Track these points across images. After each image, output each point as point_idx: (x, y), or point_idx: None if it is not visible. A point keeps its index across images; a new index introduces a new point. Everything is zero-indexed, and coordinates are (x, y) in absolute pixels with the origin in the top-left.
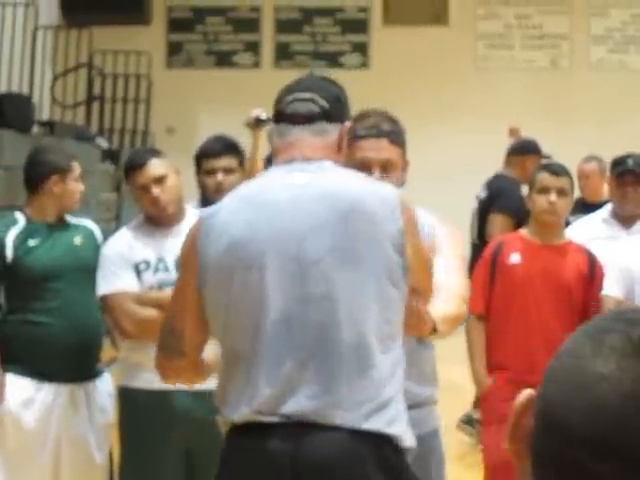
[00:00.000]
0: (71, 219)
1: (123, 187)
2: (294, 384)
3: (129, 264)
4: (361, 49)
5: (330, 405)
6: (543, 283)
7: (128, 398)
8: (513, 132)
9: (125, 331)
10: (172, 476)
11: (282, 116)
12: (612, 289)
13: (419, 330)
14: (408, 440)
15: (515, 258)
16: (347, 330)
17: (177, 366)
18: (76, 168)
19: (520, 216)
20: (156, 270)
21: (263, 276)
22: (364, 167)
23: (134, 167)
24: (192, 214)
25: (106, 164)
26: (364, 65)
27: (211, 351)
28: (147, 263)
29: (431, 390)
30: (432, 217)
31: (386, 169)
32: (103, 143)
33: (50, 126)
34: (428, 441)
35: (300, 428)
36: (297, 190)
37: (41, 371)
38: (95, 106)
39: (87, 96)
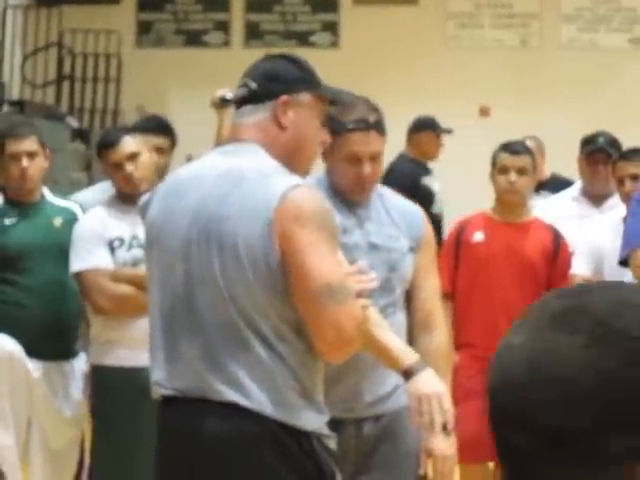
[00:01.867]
0: (55, 200)
1: (94, 166)
2: (185, 360)
3: (103, 241)
4: (331, 28)
5: (219, 382)
6: (506, 261)
7: (101, 376)
8: (484, 111)
9: (101, 308)
10: (146, 452)
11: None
12: (580, 267)
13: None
14: (309, 423)
15: (478, 237)
16: (219, 313)
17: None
18: (11, 145)
19: (406, 194)
20: (130, 247)
21: (168, 257)
22: (354, 160)
23: (107, 145)
24: None
25: (76, 143)
26: (334, 44)
27: None
28: (121, 240)
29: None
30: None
31: (375, 160)
32: (73, 122)
33: (20, 105)
34: (396, 417)
35: (195, 404)
36: (205, 172)
37: None
38: (65, 85)
39: (57, 75)
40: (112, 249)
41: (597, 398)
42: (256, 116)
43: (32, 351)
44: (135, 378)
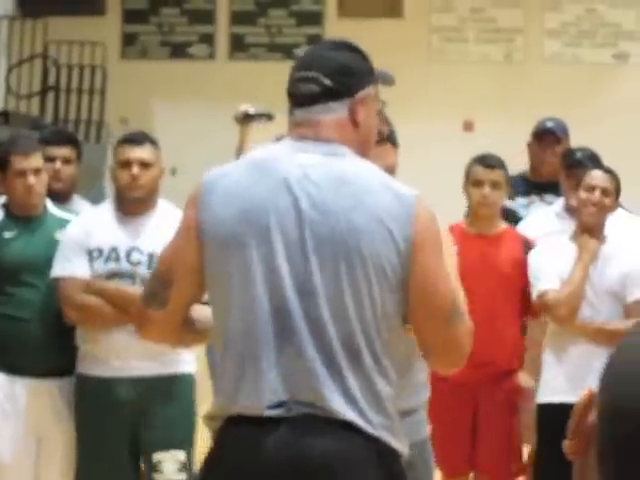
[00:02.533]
0: (57, 212)
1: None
2: (291, 376)
3: (83, 250)
4: (316, 41)
5: (329, 399)
6: (480, 273)
7: (79, 384)
8: (468, 125)
9: (66, 316)
10: (120, 461)
11: (289, 97)
12: (552, 282)
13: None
14: (404, 447)
15: None
16: (335, 328)
17: (152, 317)
18: (18, 162)
19: None
20: (107, 259)
21: (271, 252)
22: None
23: (131, 141)
24: (165, 210)
25: None
26: None
27: (202, 313)
28: (100, 251)
29: (423, 397)
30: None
31: (390, 174)
32: None
33: (5, 116)
34: (419, 449)
35: (302, 422)
36: (306, 170)
37: (14, 365)
38: (50, 96)
39: (42, 86)
40: (91, 259)
41: None
42: (334, 113)
43: (32, 366)
44: (106, 389)
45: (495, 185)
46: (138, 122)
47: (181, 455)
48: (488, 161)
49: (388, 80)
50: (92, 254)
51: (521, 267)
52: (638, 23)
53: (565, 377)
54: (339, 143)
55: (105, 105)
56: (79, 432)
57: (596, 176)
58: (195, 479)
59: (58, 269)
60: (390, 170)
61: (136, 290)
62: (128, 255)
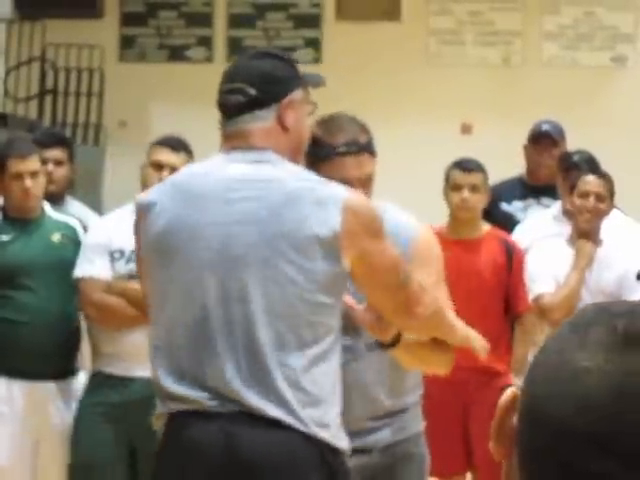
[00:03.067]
0: (54, 215)
1: (76, 181)
2: (218, 377)
3: (105, 251)
4: (314, 44)
5: (254, 400)
6: (459, 278)
7: (92, 381)
8: (466, 128)
9: (88, 316)
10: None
11: (219, 110)
12: (547, 286)
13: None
14: (339, 440)
15: None
16: (261, 332)
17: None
18: (15, 165)
19: None
20: (128, 260)
21: (193, 268)
22: (346, 185)
23: (168, 146)
24: None
25: None
26: (317, 60)
27: None
28: (121, 252)
29: (417, 395)
30: (410, 221)
31: (367, 183)
32: None
33: (3, 119)
34: (414, 443)
35: (234, 418)
36: (230, 182)
37: (11, 368)
38: (48, 99)
39: (40, 89)
40: (113, 260)
41: None
42: (261, 121)
43: (29, 370)
44: (118, 385)
45: (474, 188)
46: (136, 125)
47: None
48: (466, 165)
49: (318, 82)
50: (114, 255)
51: (501, 270)
52: (636, 26)
53: None
54: (269, 150)
55: (103, 108)
56: (78, 428)
57: (589, 182)
58: None
59: (80, 270)
60: (367, 179)
61: None
62: None
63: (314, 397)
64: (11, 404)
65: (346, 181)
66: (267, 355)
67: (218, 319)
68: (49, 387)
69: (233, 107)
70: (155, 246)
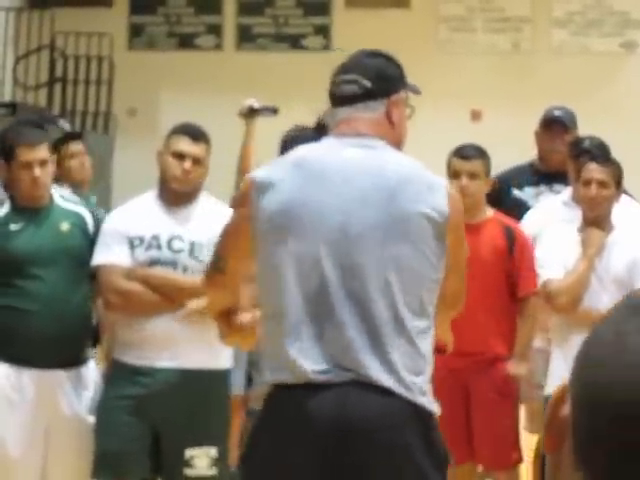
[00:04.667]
0: (63, 203)
1: None
2: (337, 346)
3: (124, 238)
4: (323, 31)
5: (369, 368)
6: None
7: (113, 370)
8: (475, 115)
9: (108, 303)
10: (137, 450)
11: (331, 99)
12: (556, 271)
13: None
14: (437, 408)
15: None
16: (379, 304)
17: (215, 280)
18: (24, 153)
19: None
20: (148, 247)
21: (312, 243)
22: None
23: (190, 135)
24: (206, 202)
25: None
26: (326, 48)
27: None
28: (141, 239)
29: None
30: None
31: None
32: (65, 125)
33: (12, 107)
34: None
35: (346, 387)
36: (347, 164)
37: (21, 357)
38: (57, 88)
39: (49, 78)
40: (132, 247)
41: None
42: (371, 112)
43: (39, 358)
44: (141, 375)
45: (472, 176)
46: (145, 113)
47: (213, 451)
48: (464, 152)
49: (417, 90)
50: (133, 242)
51: (502, 255)
52: None
53: (568, 368)
54: (377, 137)
55: (112, 96)
56: (102, 421)
57: (591, 169)
58: (230, 473)
59: (99, 257)
60: None
61: (179, 276)
62: (169, 243)
63: (419, 367)
64: (21, 393)
65: None
66: (382, 327)
67: (337, 292)
68: (59, 375)
69: (348, 96)
70: (274, 221)
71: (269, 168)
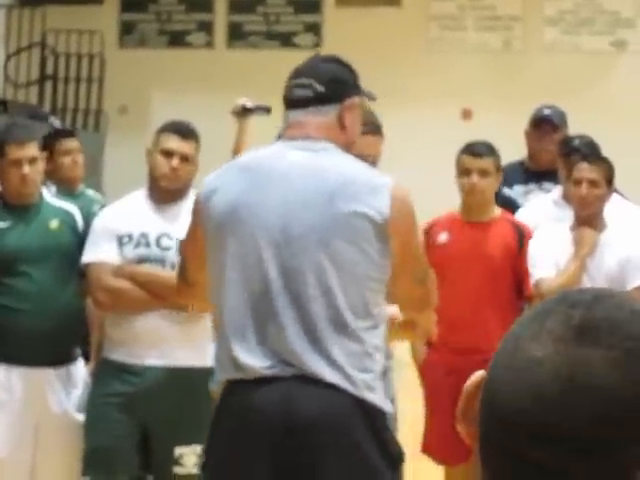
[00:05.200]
0: (52, 201)
1: None
2: (281, 346)
3: (113, 236)
4: (314, 29)
5: (314, 367)
6: (470, 260)
7: (101, 369)
8: (466, 114)
9: (97, 300)
10: (126, 448)
11: (285, 102)
12: (547, 271)
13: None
14: (387, 405)
15: (443, 237)
16: (319, 303)
17: (184, 291)
18: (13, 151)
19: None
20: (137, 245)
21: (254, 245)
22: (361, 161)
23: (179, 133)
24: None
25: None
26: (317, 45)
27: None
28: (130, 237)
29: (386, 363)
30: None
31: (377, 161)
32: (56, 122)
33: (3, 105)
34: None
35: (293, 382)
36: (291, 167)
37: (9, 355)
38: (48, 85)
39: (40, 75)
40: (121, 245)
41: (633, 409)
42: (322, 116)
43: (28, 356)
44: (130, 374)
45: (483, 173)
46: (136, 111)
47: (199, 449)
48: (475, 149)
49: (372, 96)
50: (122, 240)
51: (511, 253)
52: (636, 11)
53: None
54: (325, 140)
55: (103, 94)
56: (91, 419)
57: (581, 169)
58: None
59: (88, 255)
60: (375, 158)
61: (167, 274)
62: (158, 241)
63: (365, 364)
64: (10, 391)
65: (363, 158)
66: (323, 328)
67: (279, 293)
68: (48, 373)
69: (300, 100)
70: (218, 224)
71: (217, 173)
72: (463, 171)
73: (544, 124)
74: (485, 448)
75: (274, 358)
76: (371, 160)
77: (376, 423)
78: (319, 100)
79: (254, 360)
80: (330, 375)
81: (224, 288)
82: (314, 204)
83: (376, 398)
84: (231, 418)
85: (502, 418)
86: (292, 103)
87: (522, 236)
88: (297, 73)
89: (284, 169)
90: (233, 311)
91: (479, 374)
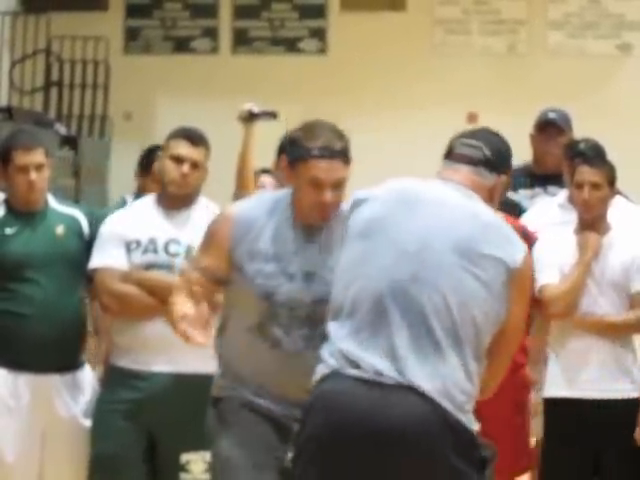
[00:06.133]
0: (58, 207)
1: (82, 173)
2: (385, 354)
3: (121, 241)
4: (319, 35)
5: (415, 377)
6: None
7: (110, 376)
8: (472, 117)
9: (104, 305)
10: (133, 454)
11: (451, 155)
12: (551, 277)
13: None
14: (473, 425)
15: None
16: (442, 317)
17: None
18: (20, 157)
19: None
20: (145, 251)
21: (388, 247)
22: (316, 186)
23: (189, 139)
24: (204, 206)
25: (64, 150)
26: (322, 51)
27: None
28: (138, 242)
29: None
30: None
31: (337, 187)
32: (61, 129)
33: (8, 112)
34: None
35: (390, 389)
36: (443, 197)
37: (16, 361)
38: (53, 92)
39: (45, 82)
40: (129, 250)
41: None
42: (481, 179)
43: (35, 363)
44: (137, 380)
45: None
46: (142, 117)
47: (208, 455)
48: None
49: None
50: (130, 245)
51: None
52: None
53: (563, 371)
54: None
55: (108, 100)
56: (98, 426)
57: (583, 172)
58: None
59: (96, 260)
60: (339, 183)
61: (175, 280)
62: (166, 247)
63: (466, 386)
64: (17, 397)
65: (317, 182)
66: (439, 345)
67: (401, 298)
68: (54, 380)
69: (466, 157)
70: (362, 225)
71: (366, 190)
72: None
73: (549, 127)
74: None
75: (381, 361)
76: (329, 186)
77: (463, 442)
78: (484, 164)
79: (365, 355)
80: (430, 390)
81: (350, 283)
82: (455, 235)
83: (465, 420)
84: (327, 412)
85: None
86: (458, 157)
87: (525, 237)
88: (470, 134)
89: (436, 197)
90: (354, 306)
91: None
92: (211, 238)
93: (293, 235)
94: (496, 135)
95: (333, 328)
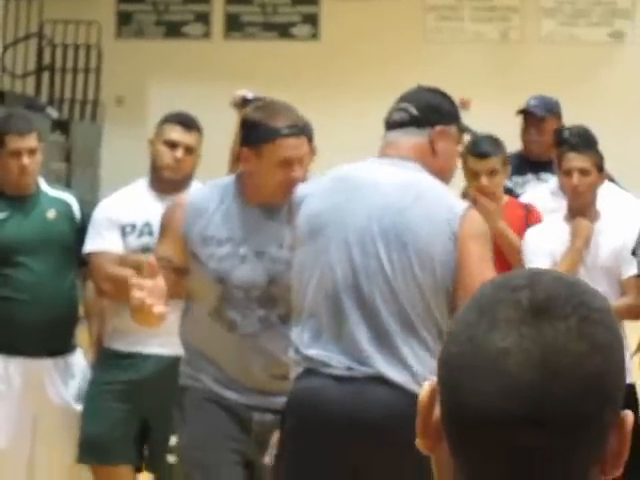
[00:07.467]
0: (49, 191)
1: (73, 157)
2: (350, 350)
3: (115, 225)
4: (311, 20)
5: (384, 367)
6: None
7: (104, 358)
8: (464, 104)
9: (100, 289)
10: (123, 435)
11: (385, 124)
12: (544, 263)
13: None
14: None
15: None
16: (391, 303)
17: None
18: (13, 142)
19: None
20: (141, 234)
21: (334, 244)
22: (286, 164)
23: (182, 124)
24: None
25: (56, 134)
26: (314, 37)
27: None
28: (133, 226)
29: None
30: None
31: (303, 163)
32: (53, 113)
33: (0, 96)
34: None
35: (362, 382)
36: (379, 180)
37: (8, 345)
38: (45, 76)
39: (37, 66)
40: (124, 234)
41: (606, 374)
42: (415, 138)
43: (26, 347)
44: (131, 363)
45: (492, 173)
46: (133, 101)
47: None
48: (481, 150)
49: (468, 129)
50: (125, 229)
51: (522, 230)
52: (633, 1)
53: None
54: (417, 163)
55: (100, 85)
56: (89, 407)
57: (570, 159)
58: None
59: (90, 245)
60: (305, 159)
61: None
62: None
63: (432, 365)
64: (9, 381)
65: (288, 160)
66: (396, 331)
67: (352, 293)
68: (46, 364)
69: (396, 122)
70: (307, 225)
71: (308, 185)
72: (471, 175)
73: (527, 116)
74: (465, 451)
75: (348, 356)
76: (299, 163)
77: None
78: (413, 123)
79: (329, 354)
80: (399, 377)
81: (308, 286)
82: (393, 211)
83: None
84: (302, 406)
85: (486, 419)
86: (389, 125)
87: (531, 217)
88: (399, 99)
89: (373, 181)
90: (313, 307)
91: (428, 385)
92: (166, 226)
93: (244, 218)
94: (428, 90)
95: (296, 334)
